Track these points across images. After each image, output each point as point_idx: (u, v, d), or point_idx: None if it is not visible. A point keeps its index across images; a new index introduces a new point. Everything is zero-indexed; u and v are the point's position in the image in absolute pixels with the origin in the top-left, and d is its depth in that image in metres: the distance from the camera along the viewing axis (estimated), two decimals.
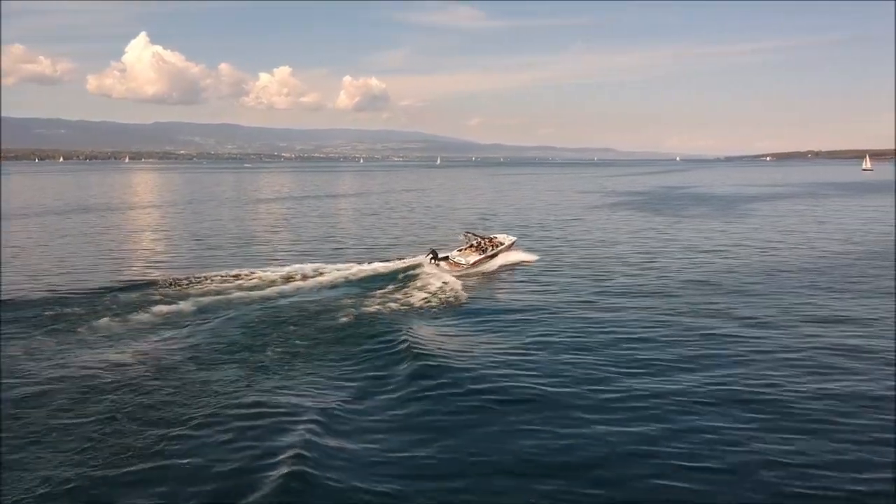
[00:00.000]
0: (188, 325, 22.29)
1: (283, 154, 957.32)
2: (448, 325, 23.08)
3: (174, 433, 13.97)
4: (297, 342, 20.44)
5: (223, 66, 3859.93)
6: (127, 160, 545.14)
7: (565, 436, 14.12)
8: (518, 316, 24.49)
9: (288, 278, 29.68)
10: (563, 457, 13.25)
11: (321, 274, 30.53)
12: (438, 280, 29.37)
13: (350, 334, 21.18)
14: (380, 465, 12.91)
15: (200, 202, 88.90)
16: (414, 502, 11.67)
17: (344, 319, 22.74)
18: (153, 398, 15.92)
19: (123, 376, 17.32)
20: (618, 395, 16.42)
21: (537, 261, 36.52)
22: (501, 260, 35.56)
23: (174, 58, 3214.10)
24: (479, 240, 36.55)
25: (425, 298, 26.44)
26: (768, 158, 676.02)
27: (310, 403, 15.54)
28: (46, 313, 23.47)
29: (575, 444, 13.76)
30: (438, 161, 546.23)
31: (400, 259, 34.37)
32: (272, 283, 28.93)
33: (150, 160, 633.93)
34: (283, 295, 26.73)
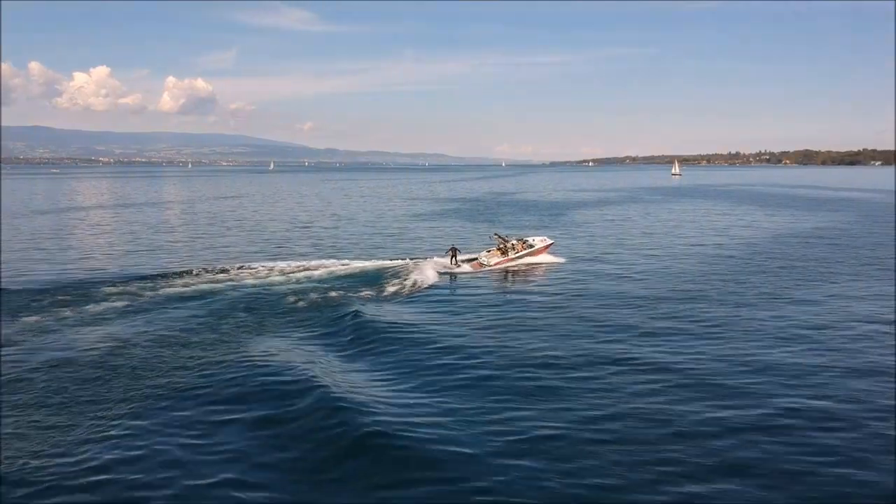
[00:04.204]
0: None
1: (100, 158, 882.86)
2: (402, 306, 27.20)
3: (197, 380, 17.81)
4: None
5: (33, 65, 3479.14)
6: None
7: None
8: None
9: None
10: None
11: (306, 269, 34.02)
12: (421, 275, 32.41)
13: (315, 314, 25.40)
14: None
15: None
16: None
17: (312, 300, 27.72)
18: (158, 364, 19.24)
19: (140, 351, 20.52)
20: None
21: (566, 263, 37.43)
22: (529, 261, 36.88)
23: None
24: (507, 242, 37.51)
25: (403, 288, 30.50)
26: (591, 164, 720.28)
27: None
28: None
29: None
30: (272, 166, 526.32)
31: (397, 258, 37.47)
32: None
33: None
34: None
